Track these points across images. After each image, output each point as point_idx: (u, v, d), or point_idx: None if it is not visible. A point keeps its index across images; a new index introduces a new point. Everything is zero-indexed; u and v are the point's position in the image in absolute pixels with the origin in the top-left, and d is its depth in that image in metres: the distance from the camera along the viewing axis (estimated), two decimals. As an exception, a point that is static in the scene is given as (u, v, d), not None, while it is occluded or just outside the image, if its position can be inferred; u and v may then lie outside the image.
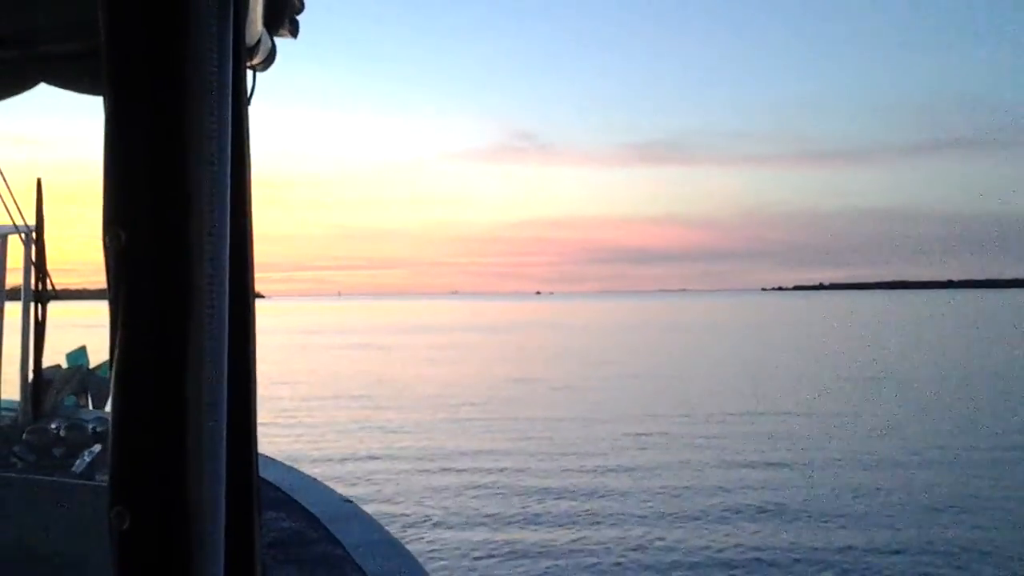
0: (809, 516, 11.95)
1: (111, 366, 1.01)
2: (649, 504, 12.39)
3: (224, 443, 1.04)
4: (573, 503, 12.69)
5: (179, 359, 0.99)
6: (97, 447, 5.85)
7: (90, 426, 6.34)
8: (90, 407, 8.54)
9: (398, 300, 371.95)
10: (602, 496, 13.11)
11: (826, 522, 11.73)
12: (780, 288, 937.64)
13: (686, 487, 13.29)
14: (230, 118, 1.05)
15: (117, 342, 1.00)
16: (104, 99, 1.00)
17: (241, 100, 1.18)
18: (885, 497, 13.05)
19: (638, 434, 17.54)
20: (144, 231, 0.98)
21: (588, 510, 12.31)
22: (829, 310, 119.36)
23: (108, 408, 8.88)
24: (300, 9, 1.85)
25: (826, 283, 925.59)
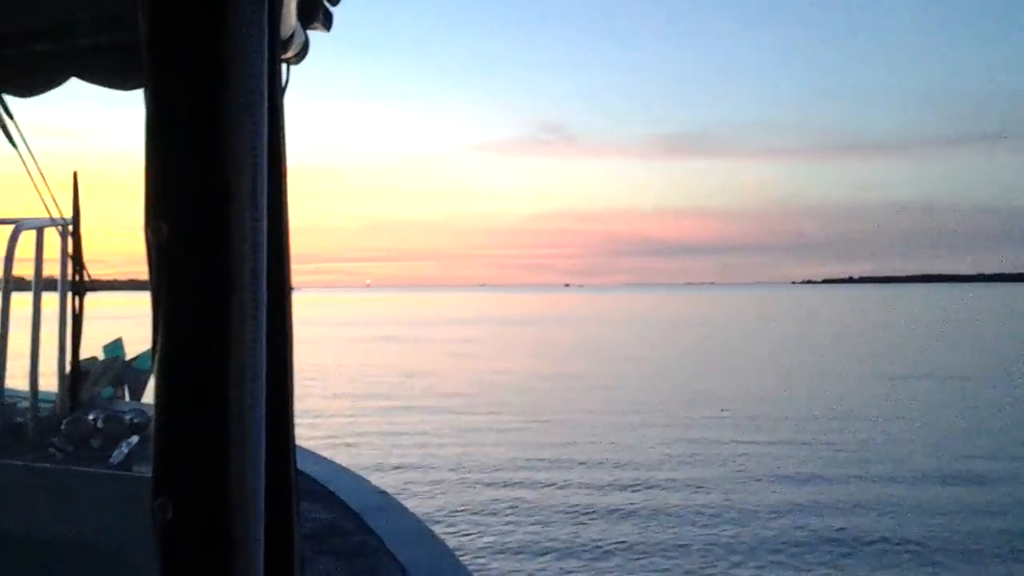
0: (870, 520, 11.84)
1: (153, 359, 1.01)
2: (693, 506, 12.31)
3: (264, 434, 1.04)
4: (609, 499, 12.65)
5: (222, 352, 0.99)
6: (135, 438, 5.90)
7: (127, 417, 6.39)
8: (127, 398, 8.64)
9: (427, 292, 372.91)
10: (638, 491, 13.08)
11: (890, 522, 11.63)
12: (809, 281, 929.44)
13: (734, 488, 13.18)
14: (266, 111, 1.05)
15: (159, 335, 1.00)
16: (145, 93, 1.01)
17: (277, 93, 1.17)
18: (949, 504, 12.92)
19: (680, 437, 17.30)
20: (186, 224, 0.98)
21: (627, 508, 12.26)
22: (864, 303, 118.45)
23: (145, 400, 9.00)
24: (335, 1, 1.84)
25: (856, 276, 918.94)
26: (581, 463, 14.66)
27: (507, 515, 11.65)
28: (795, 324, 61.03)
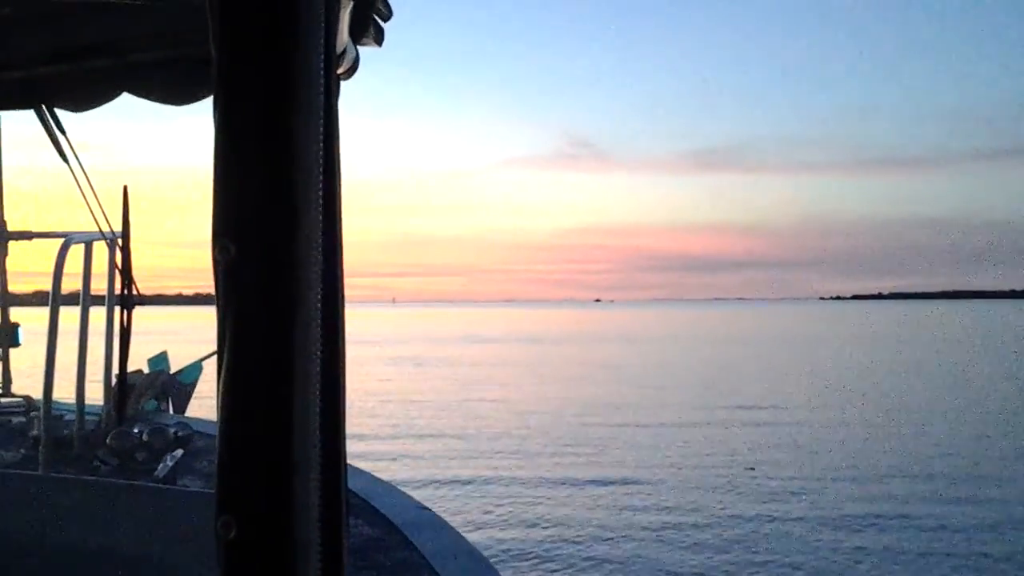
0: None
1: (219, 378, 1.01)
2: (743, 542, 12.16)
3: (319, 453, 1.04)
4: (653, 521, 12.54)
5: (286, 373, 0.99)
6: (179, 452, 5.95)
7: (172, 430, 6.45)
8: (171, 412, 8.74)
9: (453, 307, 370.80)
10: (676, 514, 12.99)
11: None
12: (838, 297, 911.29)
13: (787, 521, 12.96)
14: (322, 128, 1.05)
15: (225, 354, 1.00)
16: (214, 111, 1.01)
17: (332, 110, 1.16)
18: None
19: (727, 470, 16.79)
20: (254, 244, 0.99)
21: (667, 535, 12.15)
22: (897, 320, 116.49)
23: (188, 413, 9.04)
24: (388, 16, 1.84)
25: (885, 292, 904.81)
26: (635, 495, 14.43)
27: (548, 531, 11.60)
28: (857, 342, 59.80)
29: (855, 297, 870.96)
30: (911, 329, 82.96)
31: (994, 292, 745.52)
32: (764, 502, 13.18)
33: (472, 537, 7.88)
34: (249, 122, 1.00)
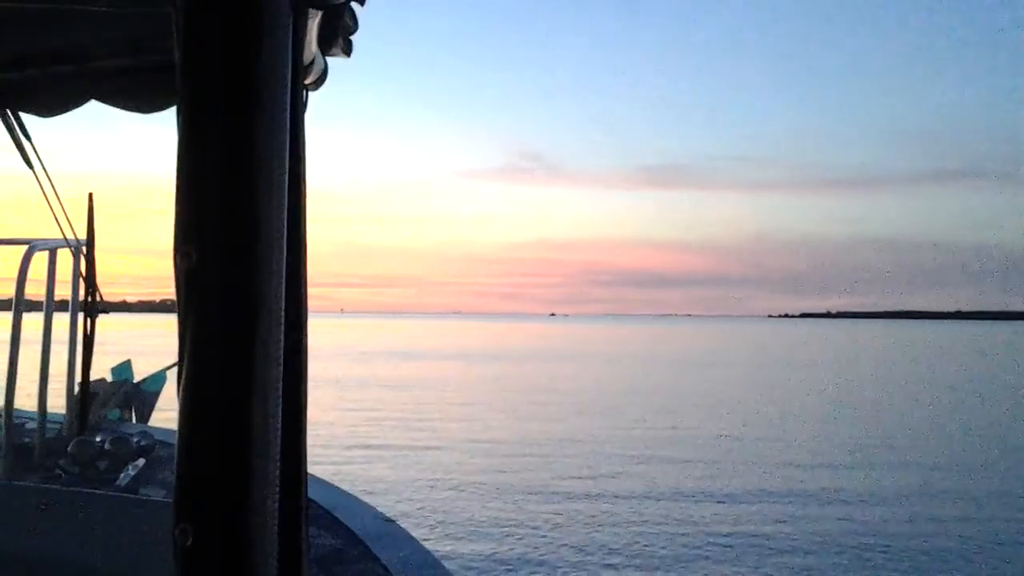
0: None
1: (179, 384, 1.01)
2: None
3: (279, 462, 1.04)
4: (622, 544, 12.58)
5: (247, 380, 0.99)
6: (141, 461, 5.90)
7: (134, 440, 6.38)
8: (134, 421, 8.64)
9: (401, 319, 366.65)
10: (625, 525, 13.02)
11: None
12: (787, 315, 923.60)
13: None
14: (288, 138, 1.06)
15: (185, 360, 1.00)
16: (178, 117, 1.02)
17: (299, 119, 1.19)
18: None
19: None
20: (215, 250, 0.99)
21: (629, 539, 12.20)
22: (848, 338, 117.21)
23: (152, 422, 8.96)
24: (354, 29, 1.84)
25: (833, 311, 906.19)
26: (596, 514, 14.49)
27: (509, 543, 11.59)
28: (810, 361, 60.32)
29: (803, 315, 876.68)
30: (859, 348, 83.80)
31: (939, 313, 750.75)
32: (694, 523, 13.22)
33: (435, 549, 7.87)
34: (212, 129, 1.00)
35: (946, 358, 64.61)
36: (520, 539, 11.86)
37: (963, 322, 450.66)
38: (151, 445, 6.40)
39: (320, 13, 1.50)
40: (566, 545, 11.57)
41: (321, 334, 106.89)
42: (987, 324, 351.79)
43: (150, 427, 7.76)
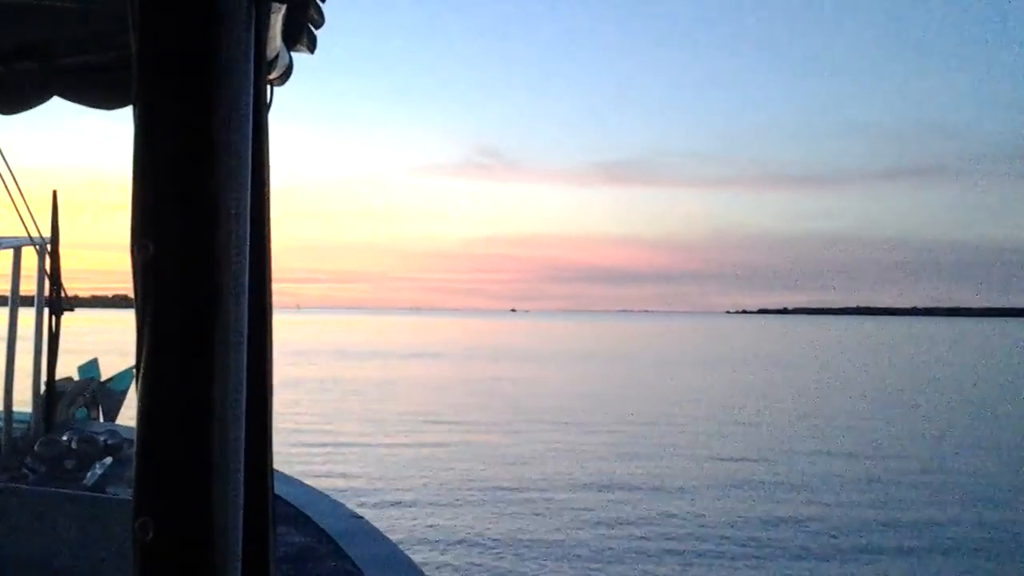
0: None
1: (136, 377, 1.00)
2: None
3: (243, 455, 1.03)
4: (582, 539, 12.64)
5: (205, 371, 0.98)
6: (108, 460, 5.85)
7: (101, 438, 6.34)
8: (101, 419, 8.58)
9: (358, 314, 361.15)
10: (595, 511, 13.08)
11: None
12: (744, 311, 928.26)
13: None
14: (251, 132, 1.06)
15: (143, 353, 0.99)
16: (134, 112, 1.01)
17: (262, 113, 1.18)
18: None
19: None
20: (172, 243, 0.98)
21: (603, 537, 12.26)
22: (815, 335, 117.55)
23: (120, 421, 8.88)
24: (320, 23, 1.83)
25: (790, 307, 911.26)
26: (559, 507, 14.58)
27: (479, 544, 11.63)
28: (768, 357, 60.63)
29: (761, 311, 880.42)
30: (813, 344, 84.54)
31: (895, 309, 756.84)
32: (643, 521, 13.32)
33: (405, 546, 7.88)
34: (168, 122, 1.00)
35: (898, 353, 65.44)
36: (487, 537, 11.90)
37: (919, 318, 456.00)
38: (118, 444, 6.36)
39: (284, 8, 1.48)
40: (533, 542, 11.62)
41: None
42: (943, 320, 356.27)
43: (118, 425, 7.70)
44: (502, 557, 10.92)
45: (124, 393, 9.11)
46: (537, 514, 13.10)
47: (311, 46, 1.84)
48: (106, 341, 47.04)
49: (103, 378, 9.22)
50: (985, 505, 14.00)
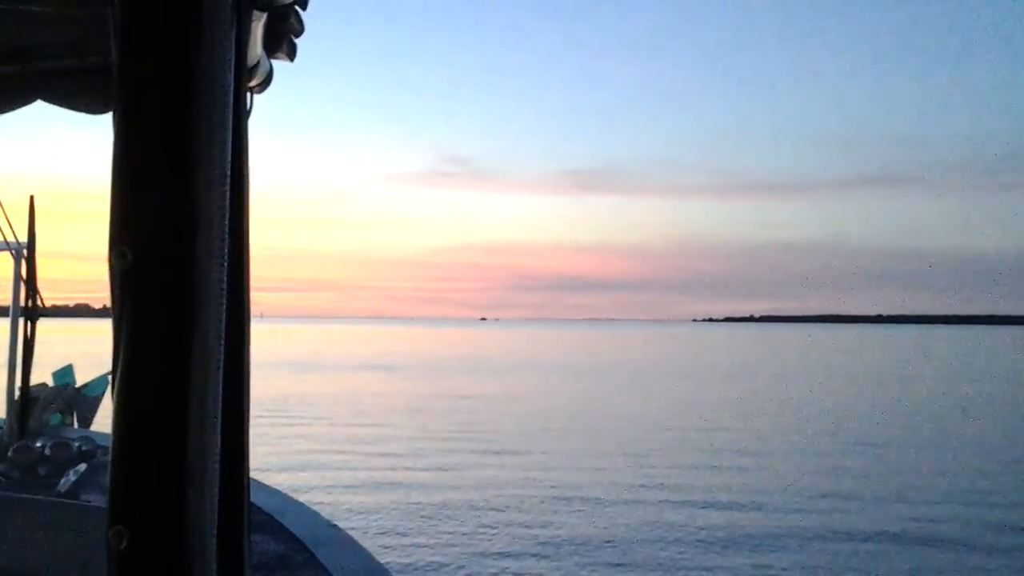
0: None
1: (112, 385, 1.00)
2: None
3: (219, 463, 1.03)
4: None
5: (182, 380, 0.98)
6: (82, 466, 5.82)
7: (76, 445, 6.30)
8: (75, 426, 8.52)
9: (323, 324, 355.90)
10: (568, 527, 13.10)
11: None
12: (711, 319, 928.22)
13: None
14: (230, 139, 1.06)
15: (120, 361, 0.98)
16: (114, 118, 1.00)
17: (241, 120, 1.18)
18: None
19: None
20: (150, 251, 0.98)
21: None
22: (770, 342, 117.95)
23: (94, 427, 8.82)
24: (300, 31, 1.83)
25: (756, 315, 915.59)
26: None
27: (453, 553, 11.63)
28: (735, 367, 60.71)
29: (727, 319, 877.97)
30: (778, 351, 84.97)
31: (861, 317, 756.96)
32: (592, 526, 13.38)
33: (380, 554, 7.86)
34: (148, 128, 0.99)
35: (859, 360, 66.28)
36: (459, 546, 11.92)
37: (884, 326, 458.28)
38: (92, 450, 6.32)
39: (265, 15, 1.48)
40: (500, 553, 11.65)
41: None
42: (908, 328, 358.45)
43: (92, 432, 7.66)
44: (474, 566, 10.95)
45: (99, 399, 9.05)
46: (507, 524, 13.11)
47: (291, 54, 1.84)
48: (80, 348, 46.56)
49: (78, 384, 9.17)
50: (953, 510, 14.15)
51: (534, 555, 11.36)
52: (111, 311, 1.00)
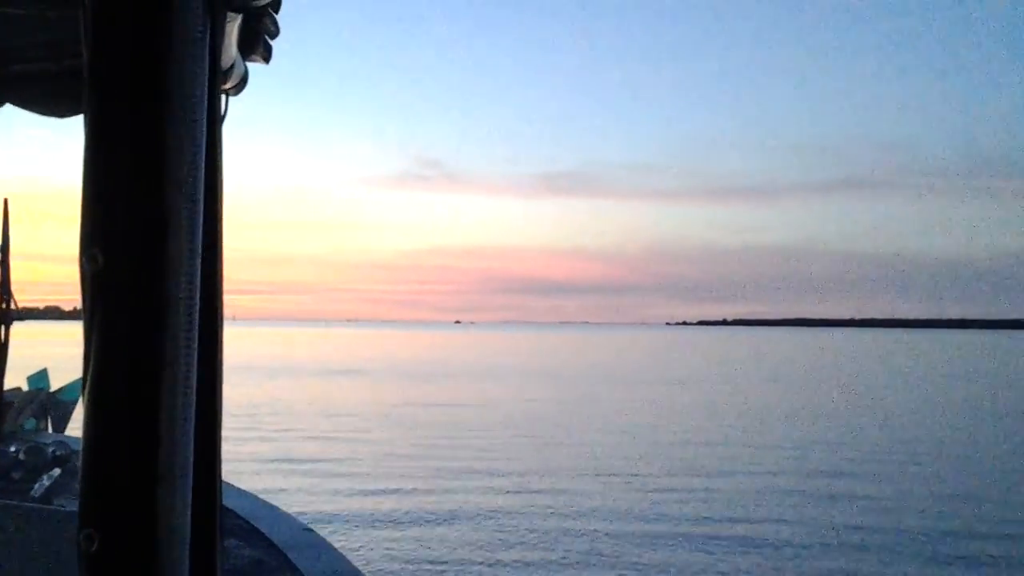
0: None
1: (84, 388, 1.00)
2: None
3: (191, 468, 1.03)
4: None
5: (154, 382, 0.98)
6: (56, 471, 5.80)
7: (50, 449, 6.28)
8: (50, 430, 8.47)
9: (295, 327, 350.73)
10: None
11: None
12: (684, 323, 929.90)
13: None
14: (204, 142, 1.06)
15: (91, 364, 0.98)
16: (85, 121, 1.01)
17: (216, 123, 1.17)
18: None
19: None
20: (122, 253, 0.98)
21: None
22: (743, 345, 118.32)
23: (69, 431, 8.78)
24: (275, 33, 1.83)
25: (730, 318, 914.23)
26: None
27: (428, 557, 11.65)
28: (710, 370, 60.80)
29: (700, 323, 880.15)
30: (750, 354, 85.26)
31: (833, 320, 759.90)
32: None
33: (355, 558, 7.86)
34: (120, 131, 0.99)
35: (822, 363, 67.11)
36: (432, 549, 11.94)
37: (856, 329, 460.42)
38: (67, 455, 6.30)
39: (240, 17, 1.47)
40: (473, 561, 11.67)
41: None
42: (880, 331, 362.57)
43: (67, 436, 7.63)
44: (448, 568, 10.97)
45: (74, 404, 8.98)
46: (477, 529, 13.14)
47: (266, 56, 1.83)
48: (56, 352, 45.99)
49: (52, 389, 9.12)
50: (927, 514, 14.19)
51: (503, 560, 11.40)
52: (82, 314, 1.00)
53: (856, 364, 67.22)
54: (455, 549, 11.79)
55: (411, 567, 11.01)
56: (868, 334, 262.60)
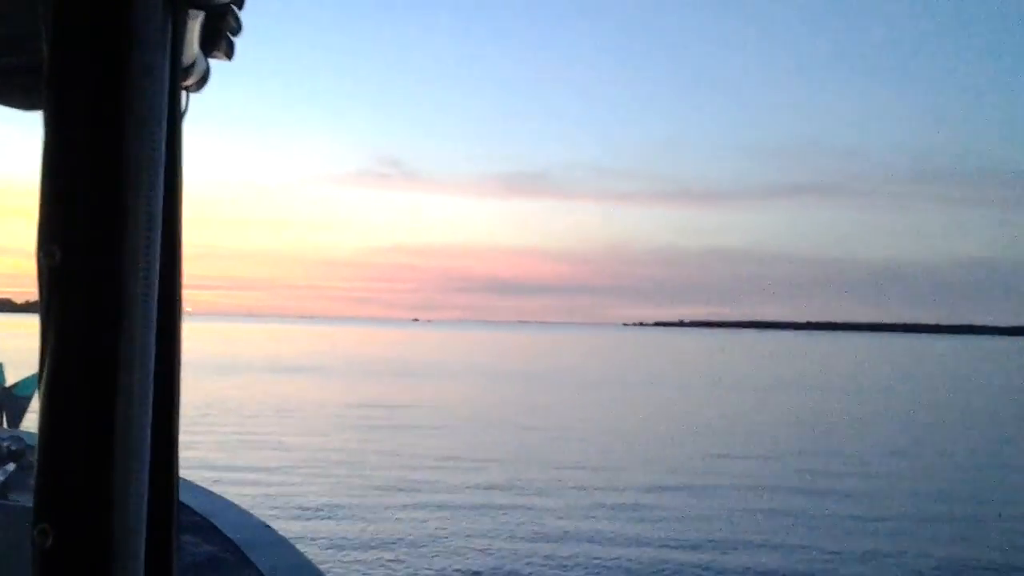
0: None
1: (40, 383, 1.00)
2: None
3: (148, 463, 1.04)
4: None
5: (110, 379, 0.99)
6: (11, 466, 5.75)
7: (4, 444, 6.22)
8: (5, 425, 8.38)
9: (251, 322, 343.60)
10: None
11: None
12: (641, 324, 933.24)
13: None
14: (165, 139, 1.06)
15: (47, 359, 0.99)
16: (44, 114, 1.01)
17: (176, 119, 1.17)
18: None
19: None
20: (79, 249, 0.98)
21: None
22: (699, 346, 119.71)
23: (23, 426, 8.72)
24: (237, 30, 1.83)
25: (686, 320, 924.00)
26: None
27: (388, 553, 11.67)
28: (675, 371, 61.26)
29: (657, 324, 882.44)
30: (706, 356, 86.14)
31: (789, 323, 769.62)
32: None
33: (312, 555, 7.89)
34: (79, 127, 0.99)
35: (782, 366, 68.09)
36: (392, 547, 11.96)
37: (812, 332, 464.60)
38: (22, 450, 6.23)
39: (202, 14, 1.48)
40: (431, 554, 11.70)
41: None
42: (836, 335, 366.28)
43: (22, 431, 7.56)
44: (409, 564, 11.02)
45: (29, 399, 8.90)
46: (434, 520, 13.20)
47: (229, 53, 1.78)
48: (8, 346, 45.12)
49: (8, 383, 9.02)
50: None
51: (464, 555, 11.45)
52: (39, 309, 1.00)
53: (808, 366, 68.19)
54: (413, 546, 11.84)
55: (369, 564, 11.04)
56: (822, 337, 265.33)
